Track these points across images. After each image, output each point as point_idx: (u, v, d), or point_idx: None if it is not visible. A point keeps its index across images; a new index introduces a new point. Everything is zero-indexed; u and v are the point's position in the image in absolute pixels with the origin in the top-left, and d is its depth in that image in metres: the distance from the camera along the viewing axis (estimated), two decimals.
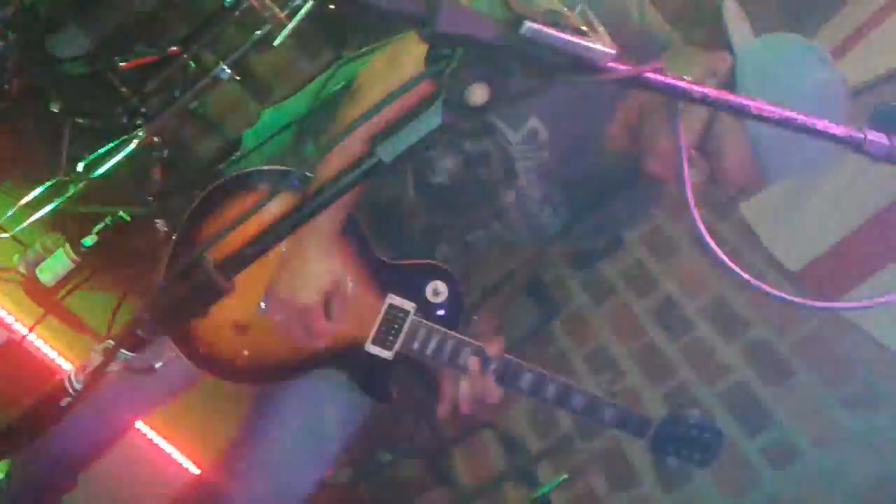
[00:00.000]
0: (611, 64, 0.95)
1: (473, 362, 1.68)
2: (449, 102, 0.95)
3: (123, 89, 3.20)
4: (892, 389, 2.74)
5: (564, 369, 3.32)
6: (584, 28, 0.94)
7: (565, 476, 2.69)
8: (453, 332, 1.70)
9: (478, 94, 0.95)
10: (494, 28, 0.90)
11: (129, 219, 2.71)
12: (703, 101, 1.03)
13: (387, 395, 1.76)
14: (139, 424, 2.43)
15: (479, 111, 0.96)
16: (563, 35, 0.92)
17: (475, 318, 1.81)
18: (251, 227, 1.04)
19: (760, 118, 1.01)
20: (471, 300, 1.78)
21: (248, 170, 1.65)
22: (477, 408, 1.73)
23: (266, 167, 1.67)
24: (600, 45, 0.94)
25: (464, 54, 0.93)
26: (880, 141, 1.09)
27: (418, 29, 0.91)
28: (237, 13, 2.79)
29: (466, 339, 1.70)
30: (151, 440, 2.52)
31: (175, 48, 3.05)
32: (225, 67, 2.74)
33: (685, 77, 1.37)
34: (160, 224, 2.44)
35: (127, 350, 1.07)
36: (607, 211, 1.78)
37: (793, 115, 1.02)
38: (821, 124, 1.07)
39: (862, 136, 1.08)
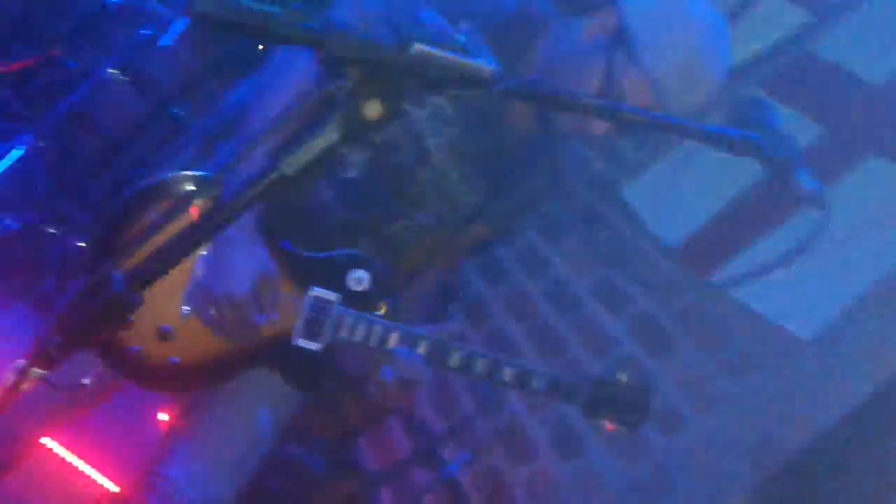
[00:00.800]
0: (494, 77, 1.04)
1: (396, 341, 1.71)
2: (346, 118, 1.01)
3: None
4: (768, 355, 2.95)
5: None
6: (467, 47, 1.03)
7: (468, 455, 2.81)
8: (378, 318, 1.73)
9: (373, 109, 1.02)
10: (386, 50, 0.98)
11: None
12: (587, 109, 1.13)
13: (318, 388, 1.78)
14: (47, 440, 2.34)
15: (375, 125, 1.03)
16: (448, 54, 1.00)
17: (400, 301, 1.84)
18: (165, 236, 1.07)
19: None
20: (395, 286, 1.83)
21: (161, 176, 1.66)
22: (401, 392, 1.77)
23: (179, 174, 1.68)
24: (483, 63, 1.02)
25: (357, 74, 1.00)
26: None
27: (313, 51, 0.98)
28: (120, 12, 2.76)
29: (392, 323, 1.73)
30: (62, 457, 2.43)
31: (55, 49, 2.99)
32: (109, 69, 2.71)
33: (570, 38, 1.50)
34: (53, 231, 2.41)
35: (40, 368, 1.09)
36: (526, 187, 1.85)
37: None
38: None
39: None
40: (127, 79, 2.81)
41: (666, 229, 3.50)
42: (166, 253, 1.05)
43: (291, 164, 1.03)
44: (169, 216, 1.10)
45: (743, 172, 3.24)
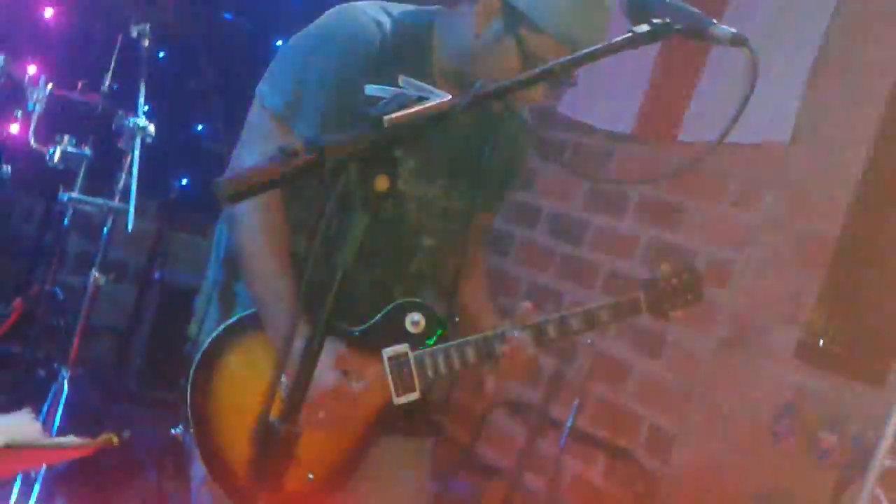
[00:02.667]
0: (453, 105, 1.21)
1: (473, 354, 1.84)
2: (365, 201, 1.18)
3: None
4: (766, 175, 3.14)
5: None
6: (421, 93, 1.21)
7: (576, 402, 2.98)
8: (450, 344, 1.85)
9: (381, 183, 1.20)
10: (368, 137, 1.15)
11: None
12: (526, 85, 1.31)
13: (438, 428, 1.95)
14: None
15: (388, 194, 1.20)
16: (412, 111, 1.18)
17: (457, 319, 1.97)
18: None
19: None
20: (445, 308, 1.97)
21: (242, 315, 1.82)
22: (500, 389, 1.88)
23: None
24: (440, 98, 1.20)
25: (356, 165, 1.18)
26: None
27: (312, 168, 1.15)
28: None
29: (461, 340, 1.86)
30: None
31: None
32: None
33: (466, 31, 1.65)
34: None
35: None
36: (498, 162, 1.97)
37: None
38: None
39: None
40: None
41: (612, 121, 3.70)
42: (301, 380, 1.22)
43: (348, 258, 1.20)
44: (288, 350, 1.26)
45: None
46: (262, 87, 1.81)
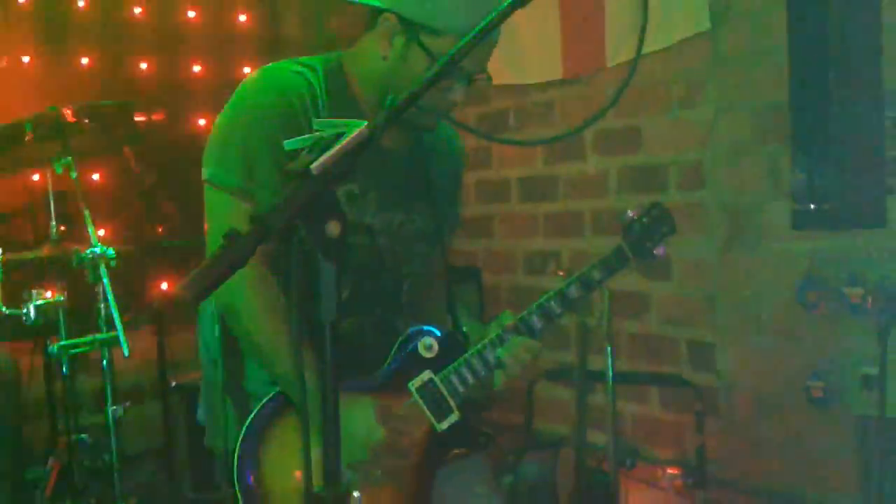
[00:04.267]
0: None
1: (492, 355, 1.88)
2: (323, 249, 1.18)
3: None
4: (703, 64, 3.13)
5: None
6: (336, 133, 1.20)
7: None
8: (468, 356, 1.88)
9: (333, 228, 1.19)
10: (302, 192, 1.15)
11: None
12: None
13: (488, 438, 1.94)
14: None
15: (343, 237, 1.20)
16: (335, 150, 1.17)
17: (464, 329, 1.99)
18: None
19: None
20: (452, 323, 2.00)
21: (259, 408, 1.80)
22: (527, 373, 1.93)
23: None
24: (356, 128, 1.20)
25: (302, 219, 1.17)
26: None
27: (263, 241, 1.15)
28: None
29: (479, 345, 1.89)
30: None
31: None
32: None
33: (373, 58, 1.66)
34: None
35: None
36: (440, 182, 2.00)
37: None
38: None
39: None
40: None
41: (544, 71, 3.69)
42: (330, 442, 1.23)
43: (330, 311, 1.20)
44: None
45: None
46: (210, 171, 1.79)
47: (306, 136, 1.23)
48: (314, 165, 1.17)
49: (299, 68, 1.84)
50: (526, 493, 3.34)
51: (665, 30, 3.09)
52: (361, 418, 1.78)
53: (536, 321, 1.91)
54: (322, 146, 1.20)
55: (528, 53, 3.66)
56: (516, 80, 3.77)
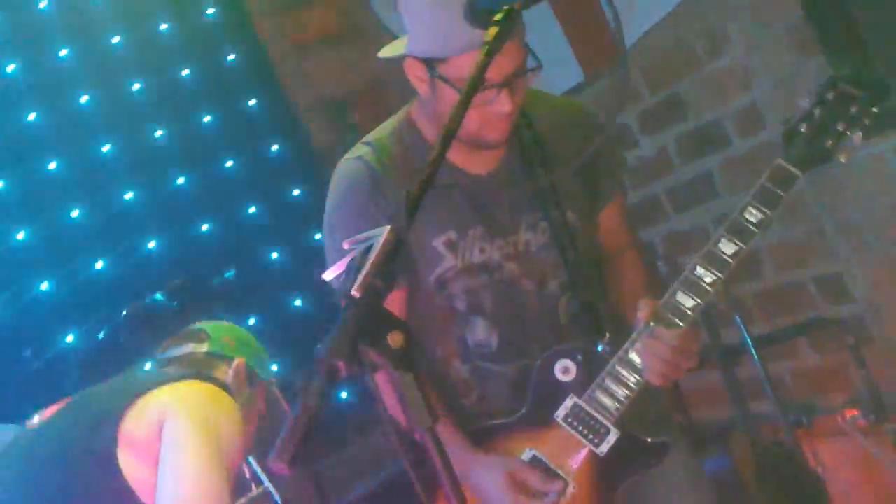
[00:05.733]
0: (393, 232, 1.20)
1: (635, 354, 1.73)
2: (394, 363, 1.16)
3: None
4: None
5: None
6: (366, 247, 1.20)
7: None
8: (610, 366, 1.76)
9: (395, 340, 1.18)
10: (352, 320, 1.14)
11: None
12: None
13: (661, 446, 1.84)
14: None
15: (408, 346, 1.18)
16: (368, 267, 1.16)
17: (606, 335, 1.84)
18: None
19: None
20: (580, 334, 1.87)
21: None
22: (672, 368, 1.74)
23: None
24: (381, 234, 1.19)
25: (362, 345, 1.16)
26: None
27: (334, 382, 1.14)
28: None
29: (620, 349, 1.76)
30: None
31: None
32: None
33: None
34: None
35: None
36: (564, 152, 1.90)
37: None
38: None
39: None
40: None
41: (567, 79, 3.65)
42: None
43: (422, 419, 1.18)
44: None
45: None
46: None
47: (340, 257, 1.22)
48: (354, 289, 1.16)
49: (361, 151, 1.91)
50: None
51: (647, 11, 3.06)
52: (490, 481, 1.73)
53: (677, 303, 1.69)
54: (356, 267, 1.20)
55: (546, 68, 3.62)
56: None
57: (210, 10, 4.11)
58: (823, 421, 3.06)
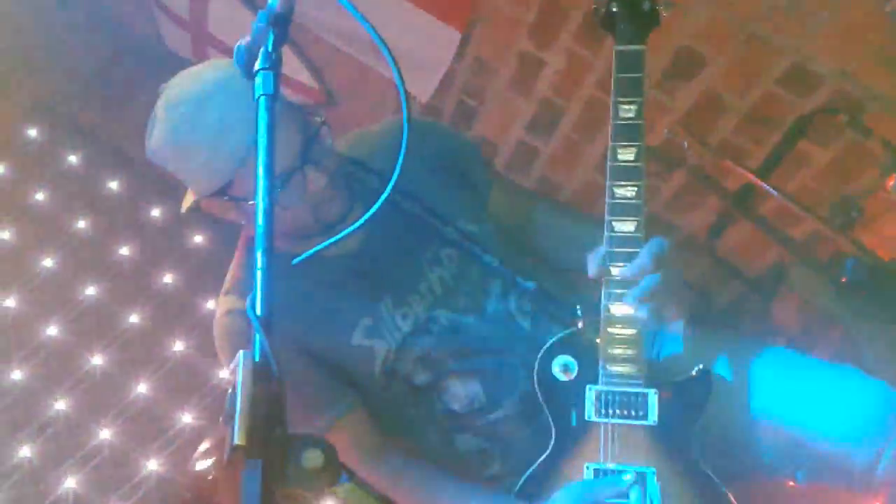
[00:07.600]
0: None
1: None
2: (315, 485, 1.07)
3: None
4: None
5: None
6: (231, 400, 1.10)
7: None
8: (601, 335, 1.64)
9: (313, 460, 1.08)
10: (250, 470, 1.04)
11: None
12: None
13: (704, 374, 1.68)
14: None
15: (329, 463, 1.08)
16: (241, 415, 1.07)
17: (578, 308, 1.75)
18: None
19: None
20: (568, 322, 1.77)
21: None
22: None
23: None
24: (240, 387, 1.09)
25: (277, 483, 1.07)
26: None
27: None
28: None
29: (600, 311, 1.64)
30: None
31: None
32: None
33: None
34: None
35: None
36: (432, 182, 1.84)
37: None
38: None
39: None
40: None
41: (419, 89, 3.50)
42: None
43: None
44: None
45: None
46: None
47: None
48: (237, 439, 1.07)
49: (225, 306, 1.79)
50: None
51: None
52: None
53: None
54: (231, 414, 1.10)
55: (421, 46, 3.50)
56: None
57: None
58: (872, 202, 2.86)
